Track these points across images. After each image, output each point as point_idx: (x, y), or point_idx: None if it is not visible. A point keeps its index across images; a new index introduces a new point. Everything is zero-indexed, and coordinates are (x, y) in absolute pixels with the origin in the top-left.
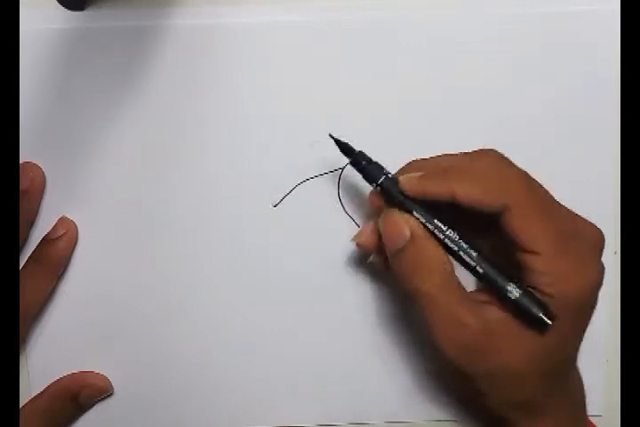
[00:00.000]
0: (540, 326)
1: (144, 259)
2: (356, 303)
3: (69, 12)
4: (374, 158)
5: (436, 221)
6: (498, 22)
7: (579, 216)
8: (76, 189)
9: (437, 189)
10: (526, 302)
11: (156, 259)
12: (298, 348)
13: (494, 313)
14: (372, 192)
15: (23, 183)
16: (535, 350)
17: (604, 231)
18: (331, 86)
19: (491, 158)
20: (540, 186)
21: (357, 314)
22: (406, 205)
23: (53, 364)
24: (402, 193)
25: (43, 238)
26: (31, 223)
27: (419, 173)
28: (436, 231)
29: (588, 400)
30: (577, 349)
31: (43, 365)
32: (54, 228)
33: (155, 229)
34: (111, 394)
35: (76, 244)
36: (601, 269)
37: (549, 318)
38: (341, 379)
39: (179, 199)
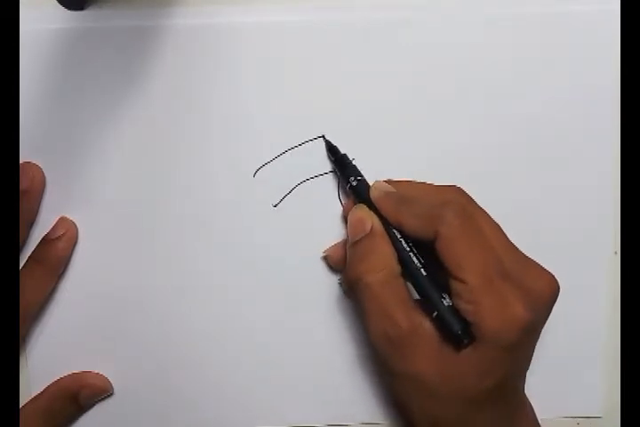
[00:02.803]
0: (456, 343)
1: (144, 259)
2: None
3: (69, 12)
4: (374, 157)
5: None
6: (498, 22)
7: (532, 263)
8: (76, 189)
9: (389, 213)
10: (449, 316)
11: (156, 259)
12: (298, 348)
13: (426, 322)
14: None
15: (23, 183)
16: (448, 367)
17: (603, 231)
18: (331, 86)
19: (448, 193)
20: (481, 222)
21: (360, 313)
22: (374, 206)
23: (53, 364)
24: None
25: (43, 238)
26: (31, 223)
27: (389, 189)
28: (394, 231)
29: (588, 401)
30: (505, 383)
31: (43, 365)
32: (54, 228)
33: (155, 230)
34: (111, 394)
35: (75, 244)
36: (532, 317)
37: (466, 338)
38: (343, 379)
39: (179, 199)
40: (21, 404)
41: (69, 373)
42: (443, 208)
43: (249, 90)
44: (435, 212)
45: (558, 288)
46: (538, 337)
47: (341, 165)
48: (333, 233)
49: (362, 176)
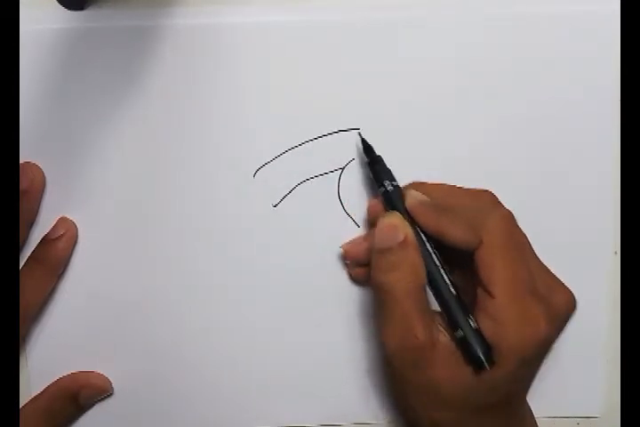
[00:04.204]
0: (477, 366)
1: (144, 259)
2: (357, 303)
3: (69, 12)
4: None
5: (427, 238)
6: (498, 22)
7: (555, 279)
8: (76, 189)
9: (428, 223)
10: (474, 339)
11: (156, 259)
12: (298, 348)
13: (444, 338)
14: (372, 199)
15: (23, 183)
16: (463, 381)
17: (603, 231)
18: (331, 86)
19: (485, 199)
20: (522, 235)
21: (358, 313)
22: (408, 216)
23: (53, 364)
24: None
25: (42, 238)
26: (31, 223)
27: (424, 198)
28: (427, 244)
29: (587, 401)
30: (515, 395)
31: (43, 365)
32: (54, 228)
33: (155, 230)
34: (111, 394)
35: (75, 244)
36: (552, 332)
37: (489, 363)
38: (344, 379)
39: (179, 199)
40: (21, 404)
41: (69, 373)
42: (487, 217)
43: (249, 90)
44: (478, 220)
45: (575, 305)
46: (552, 345)
47: (376, 167)
48: (333, 233)
49: (396, 182)
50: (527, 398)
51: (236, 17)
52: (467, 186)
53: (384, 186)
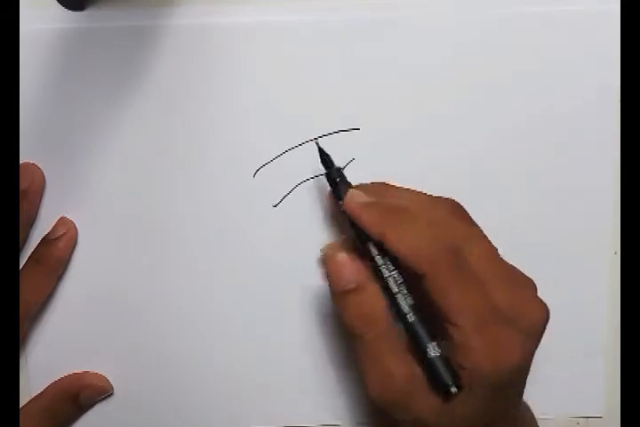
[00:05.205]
0: (445, 393)
1: (144, 259)
2: None
3: (69, 11)
4: (373, 158)
5: (386, 258)
6: (498, 22)
7: (522, 296)
8: (76, 189)
9: (371, 225)
10: (439, 365)
11: (156, 259)
12: (299, 347)
13: (418, 369)
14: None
15: (23, 184)
16: (445, 410)
17: (603, 231)
18: (330, 86)
19: (443, 210)
20: (482, 251)
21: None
22: (364, 234)
23: (53, 364)
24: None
25: (42, 239)
26: (31, 224)
27: (367, 199)
28: (383, 268)
29: (588, 401)
30: (500, 416)
31: (43, 365)
32: (54, 228)
33: (155, 230)
34: (111, 394)
35: (75, 244)
36: (526, 355)
37: (457, 387)
38: (345, 379)
39: (179, 199)
40: (21, 404)
41: (69, 373)
42: (429, 245)
43: (249, 90)
44: (422, 247)
45: (548, 315)
46: (531, 363)
47: (334, 180)
48: (333, 233)
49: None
50: (527, 398)
51: (235, 17)
52: (467, 185)
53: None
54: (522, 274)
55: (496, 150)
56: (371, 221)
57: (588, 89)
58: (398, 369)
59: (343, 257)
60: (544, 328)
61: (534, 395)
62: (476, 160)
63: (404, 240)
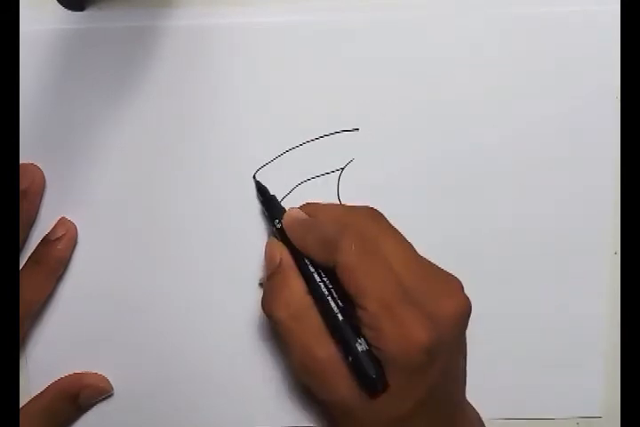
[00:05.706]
0: (370, 389)
1: (144, 259)
2: None
3: (69, 12)
4: (372, 158)
5: (306, 260)
6: (498, 22)
7: (444, 285)
8: (76, 189)
9: (296, 241)
10: (365, 360)
11: (156, 259)
12: None
13: (338, 351)
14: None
15: (23, 184)
16: (364, 396)
17: (603, 231)
18: (330, 86)
19: (360, 215)
20: (394, 245)
21: None
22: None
23: (53, 364)
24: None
25: (42, 239)
26: (31, 224)
27: (300, 216)
28: (307, 263)
29: (587, 401)
30: (427, 402)
31: (43, 365)
32: (54, 229)
33: (154, 230)
34: (111, 394)
35: (75, 245)
36: (433, 337)
37: (381, 384)
38: None
39: (179, 200)
40: (21, 404)
41: (69, 373)
42: (339, 234)
43: (249, 90)
44: (332, 238)
45: (468, 308)
46: (456, 356)
47: (268, 206)
48: None
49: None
50: (527, 398)
51: (235, 17)
52: (466, 185)
53: (274, 225)
54: (442, 270)
55: (496, 150)
56: (295, 238)
57: (588, 89)
58: (320, 350)
59: (271, 245)
60: (461, 322)
61: (535, 395)
62: (476, 160)
63: (317, 246)
